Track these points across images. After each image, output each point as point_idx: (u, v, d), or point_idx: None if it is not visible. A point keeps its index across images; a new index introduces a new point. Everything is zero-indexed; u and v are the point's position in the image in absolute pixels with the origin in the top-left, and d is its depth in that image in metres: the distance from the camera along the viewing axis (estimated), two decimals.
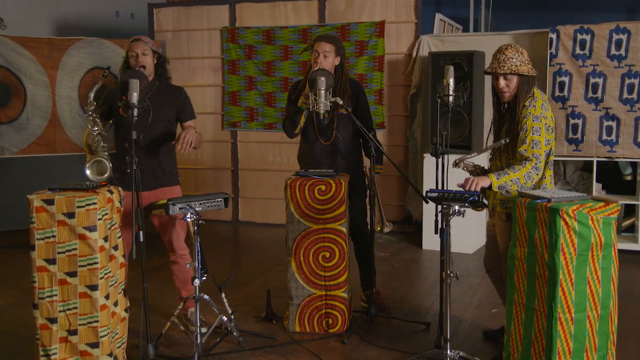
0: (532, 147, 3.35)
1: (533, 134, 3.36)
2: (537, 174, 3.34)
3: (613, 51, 5.74)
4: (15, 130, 6.61)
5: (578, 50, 5.83)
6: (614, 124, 5.79)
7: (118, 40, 7.13)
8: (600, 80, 5.80)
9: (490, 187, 3.30)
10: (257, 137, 7.57)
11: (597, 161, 5.97)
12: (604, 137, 5.83)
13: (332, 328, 4.13)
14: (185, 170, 7.83)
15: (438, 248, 6.18)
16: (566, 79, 5.88)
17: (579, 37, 5.81)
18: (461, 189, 3.37)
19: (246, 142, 7.67)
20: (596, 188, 6.17)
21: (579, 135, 5.89)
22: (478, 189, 3.29)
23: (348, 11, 7.13)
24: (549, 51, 5.91)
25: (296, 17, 7.31)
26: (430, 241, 6.35)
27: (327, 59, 4.23)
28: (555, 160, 6.28)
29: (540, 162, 3.35)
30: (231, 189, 7.74)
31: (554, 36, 5.87)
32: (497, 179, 3.30)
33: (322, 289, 4.12)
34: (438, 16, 7.49)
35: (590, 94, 5.83)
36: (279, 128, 7.43)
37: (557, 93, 5.92)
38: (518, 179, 3.30)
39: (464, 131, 6.08)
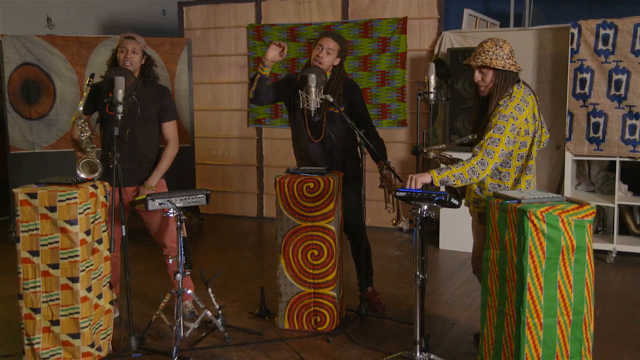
0: (489, 144, 3.25)
1: (494, 131, 3.27)
2: (483, 169, 3.21)
3: (638, 46, 5.49)
4: (45, 126, 6.84)
5: (600, 46, 5.60)
6: (637, 122, 5.53)
7: (146, 39, 7.25)
8: (623, 77, 5.55)
9: (432, 183, 3.23)
10: (281, 134, 7.60)
11: (622, 161, 5.71)
12: (627, 136, 5.57)
13: (321, 326, 4.11)
14: (211, 167, 7.96)
15: (455, 248, 6.22)
16: (587, 76, 5.65)
17: (602, 32, 5.57)
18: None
19: (271, 138, 7.71)
20: (622, 189, 5.92)
21: (600, 134, 5.65)
22: (419, 186, 3.21)
23: (371, 7, 7.07)
24: (569, 47, 5.70)
25: (320, 14, 7.31)
26: (448, 241, 6.26)
27: (330, 55, 4.20)
28: (578, 161, 6.07)
29: (491, 157, 3.22)
30: (256, 185, 7.81)
31: (575, 31, 5.65)
32: (438, 174, 3.22)
33: (311, 286, 4.10)
34: (467, 11, 7.33)
35: (613, 91, 5.58)
36: None
37: (578, 90, 5.70)
38: (461, 174, 3.20)
39: (483, 129, 5.95)
